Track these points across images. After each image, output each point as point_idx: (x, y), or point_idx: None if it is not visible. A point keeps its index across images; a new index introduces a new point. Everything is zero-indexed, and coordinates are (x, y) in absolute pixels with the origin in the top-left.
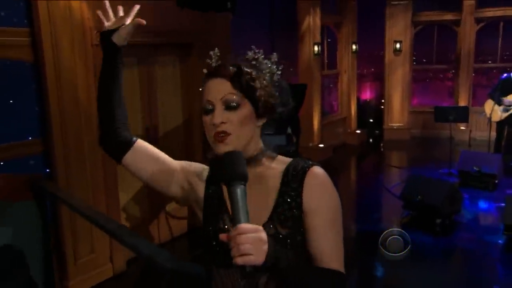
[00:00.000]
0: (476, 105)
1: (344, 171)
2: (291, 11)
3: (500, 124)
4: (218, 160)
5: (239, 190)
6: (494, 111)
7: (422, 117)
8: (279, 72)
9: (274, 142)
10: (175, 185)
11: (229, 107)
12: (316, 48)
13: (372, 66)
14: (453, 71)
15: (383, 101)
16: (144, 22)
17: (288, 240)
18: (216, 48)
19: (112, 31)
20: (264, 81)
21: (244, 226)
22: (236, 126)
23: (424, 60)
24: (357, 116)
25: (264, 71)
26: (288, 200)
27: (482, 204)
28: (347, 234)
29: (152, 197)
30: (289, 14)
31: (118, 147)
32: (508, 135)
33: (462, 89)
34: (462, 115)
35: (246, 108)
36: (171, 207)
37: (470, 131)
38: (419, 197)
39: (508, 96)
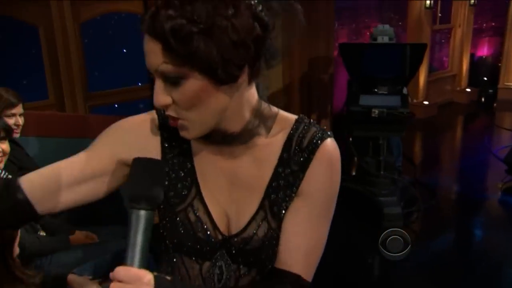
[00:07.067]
0: None
1: (448, 130)
2: None
3: None
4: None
5: (141, 216)
6: None
7: None
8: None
9: (387, 103)
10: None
11: (169, 82)
12: (428, 0)
13: (493, 19)
14: None
15: (501, 58)
16: None
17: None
18: None
19: None
20: (225, 31)
21: (124, 271)
22: (184, 109)
23: None
24: (469, 73)
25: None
26: (284, 184)
27: None
28: (447, 195)
29: None
30: None
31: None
32: None
33: None
34: None
35: (195, 80)
36: None
37: None
38: None
39: None
